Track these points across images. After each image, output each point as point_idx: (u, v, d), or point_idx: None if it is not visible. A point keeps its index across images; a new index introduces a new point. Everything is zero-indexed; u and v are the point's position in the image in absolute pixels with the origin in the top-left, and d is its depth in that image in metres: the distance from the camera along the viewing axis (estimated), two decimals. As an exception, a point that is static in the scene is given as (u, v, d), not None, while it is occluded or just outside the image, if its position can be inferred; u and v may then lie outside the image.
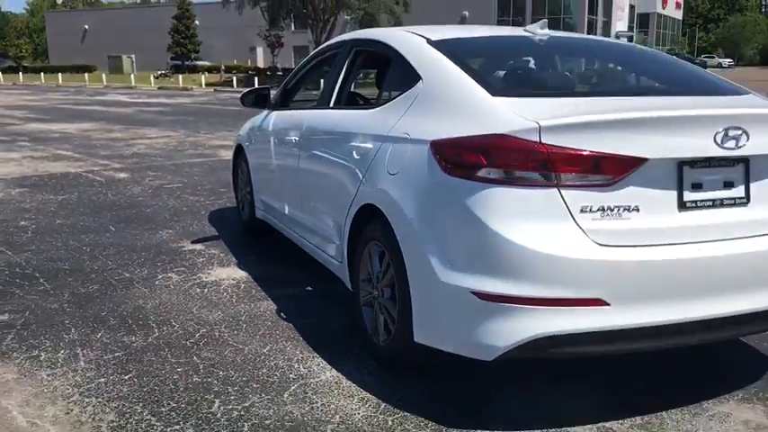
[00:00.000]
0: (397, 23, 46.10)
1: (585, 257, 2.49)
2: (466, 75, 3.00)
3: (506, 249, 2.52)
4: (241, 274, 4.72)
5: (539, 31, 3.61)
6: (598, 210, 2.53)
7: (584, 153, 2.50)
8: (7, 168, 9.36)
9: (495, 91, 2.86)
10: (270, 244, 5.35)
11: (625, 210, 2.55)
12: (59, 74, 51.65)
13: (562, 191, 2.51)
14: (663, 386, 3.10)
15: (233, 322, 3.83)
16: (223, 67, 53.80)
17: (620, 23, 62.25)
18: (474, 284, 2.59)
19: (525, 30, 3.70)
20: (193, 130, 14.96)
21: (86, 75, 51.35)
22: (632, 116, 2.57)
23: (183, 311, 3.99)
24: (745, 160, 2.71)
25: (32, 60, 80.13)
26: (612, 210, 2.54)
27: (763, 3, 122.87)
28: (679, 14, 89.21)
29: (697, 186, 2.66)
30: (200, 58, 61.83)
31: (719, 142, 2.59)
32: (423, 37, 3.49)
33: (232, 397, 2.96)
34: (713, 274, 2.65)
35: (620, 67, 4.02)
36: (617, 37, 61.84)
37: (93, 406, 2.88)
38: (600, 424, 2.75)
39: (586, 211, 2.52)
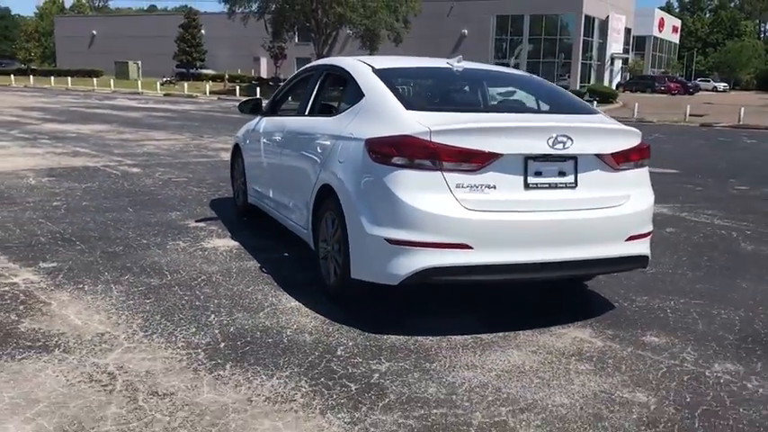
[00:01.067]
0: (397, 39, 47.71)
1: (457, 216, 3.80)
2: (392, 94, 4.33)
3: (407, 210, 3.83)
4: (234, 243, 6.02)
5: (456, 63, 4.94)
6: (467, 186, 3.84)
7: (460, 149, 3.82)
8: (34, 161, 10.68)
9: (408, 106, 4.19)
10: (259, 224, 6.65)
11: (486, 187, 3.87)
12: (68, 78, 53.15)
13: (444, 173, 3.82)
14: (523, 314, 4.41)
15: (226, 273, 5.13)
16: (227, 76, 55.29)
17: (616, 45, 63.76)
18: (386, 234, 3.90)
19: (447, 62, 5.01)
20: (198, 134, 16.31)
21: (95, 79, 52.80)
22: (492, 125, 3.91)
23: (188, 265, 5.29)
24: (574, 157, 4.03)
25: (40, 63, 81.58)
26: (477, 187, 3.85)
27: (762, 29, 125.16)
28: (676, 38, 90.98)
29: (538, 173, 3.97)
30: (205, 66, 63.29)
31: (551, 145, 3.91)
32: (370, 66, 4.82)
33: (223, 314, 4.26)
34: (549, 232, 3.96)
35: (506, 89, 5.38)
36: (611, 59, 63.41)
37: (126, 316, 4.17)
38: (474, 335, 4.04)
39: (460, 187, 3.83)
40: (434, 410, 3.14)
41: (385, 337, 3.98)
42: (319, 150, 4.77)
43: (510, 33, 60.58)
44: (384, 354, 3.75)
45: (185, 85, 48.69)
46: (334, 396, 3.24)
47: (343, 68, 5.06)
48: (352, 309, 4.40)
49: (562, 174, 4.04)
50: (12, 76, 55.38)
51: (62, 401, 3.08)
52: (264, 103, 6.58)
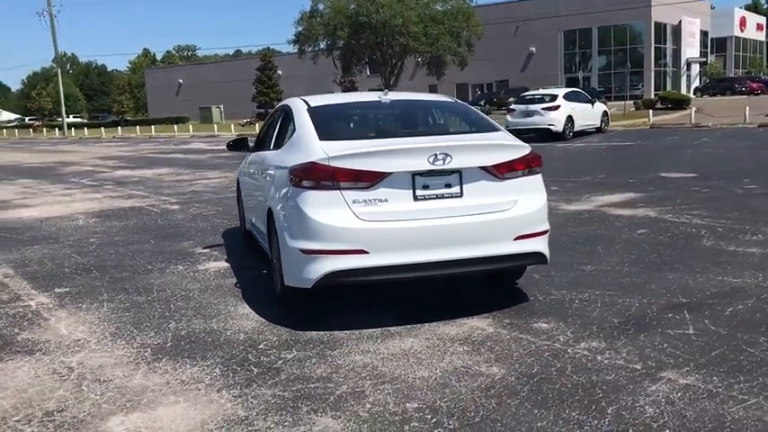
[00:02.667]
0: (462, 64, 48.52)
1: (354, 227, 4.52)
2: (312, 128, 5.11)
3: (314, 224, 4.58)
4: (225, 264, 6.90)
5: (383, 96, 5.69)
6: (362, 201, 4.55)
7: (353, 170, 4.55)
8: (91, 205, 12.02)
9: (322, 137, 4.95)
10: (255, 247, 7.51)
11: (378, 201, 4.57)
12: (152, 126, 56.62)
13: (342, 191, 4.55)
14: (438, 309, 5.03)
15: (204, 289, 5.99)
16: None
17: (690, 50, 62.18)
18: (301, 245, 4.65)
19: (378, 95, 5.74)
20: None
21: (175, 126, 55.95)
22: (380, 149, 4.63)
23: (175, 284, 6.19)
24: (458, 171, 4.68)
25: (134, 114, 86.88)
26: (371, 201, 4.56)
27: None
28: (761, 36, 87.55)
29: (426, 187, 4.64)
30: (283, 104, 65.83)
31: (431, 162, 4.58)
32: (307, 104, 5.62)
33: (183, 321, 5.09)
34: (437, 236, 4.61)
35: (418, 117, 6.05)
36: (687, 64, 61.85)
37: (104, 326, 5.06)
38: (385, 328, 4.72)
39: (356, 202, 4.55)
40: (310, 385, 3.84)
41: (307, 333, 4.71)
42: (269, 179, 5.60)
43: (579, 47, 60.21)
44: (297, 345, 4.48)
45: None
46: (236, 378, 3.99)
47: (289, 107, 5.89)
48: (293, 312, 5.15)
49: (448, 185, 4.69)
50: (102, 128, 59.44)
51: (24, 388, 3.97)
52: (252, 140, 7.48)
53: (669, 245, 6.92)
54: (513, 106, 23.96)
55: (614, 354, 4.11)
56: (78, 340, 4.77)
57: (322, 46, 50.82)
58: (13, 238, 8.94)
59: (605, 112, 25.73)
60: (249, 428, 3.37)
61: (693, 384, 3.64)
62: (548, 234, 5.08)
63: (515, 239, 4.79)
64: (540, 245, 4.96)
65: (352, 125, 5.69)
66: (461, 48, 47.62)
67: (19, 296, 6.00)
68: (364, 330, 4.70)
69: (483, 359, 4.11)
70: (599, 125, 24.72)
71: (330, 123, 5.42)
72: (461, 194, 4.72)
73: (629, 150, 18.92)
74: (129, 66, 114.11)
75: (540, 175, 5.09)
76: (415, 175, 4.63)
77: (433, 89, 63.81)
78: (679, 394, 3.53)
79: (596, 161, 16.72)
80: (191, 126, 53.34)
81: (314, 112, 5.42)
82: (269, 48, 72.74)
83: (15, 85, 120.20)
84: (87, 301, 5.73)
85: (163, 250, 7.73)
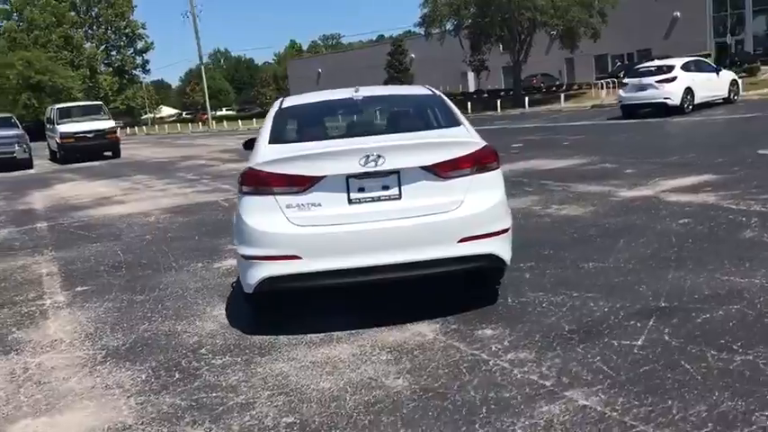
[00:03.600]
0: (595, 36, 46.27)
1: (287, 232, 4.48)
2: (268, 131, 5.10)
3: (250, 230, 4.59)
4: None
5: (355, 94, 5.56)
6: (296, 206, 4.50)
7: (286, 175, 4.50)
8: (175, 200, 12.72)
9: (271, 140, 4.94)
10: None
11: (312, 205, 4.49)
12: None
13: (276, 197, 4.52)
14: (389, 312, 4.87)
15: (201, 288, 6.18)
16: (433, 95, 57.27)
17: None
18: (243, 251, 4.69)
19: (352, 93, 5.62)
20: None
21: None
22: (311, 152, 4.55)
23: (180, 283, 6.43)
24: (398, 172, 4.50)
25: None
26: (304, 205, 4.50)
27: None
28: None
29: (362, 189, 4.50)
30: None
31: (363, 164, 4.43)
32: (281, 104, 5.62)
33: (156, 322, 5.29)
34: (374, 240, 4.47)
35: (380, 115, 5.81)
36: None
37: (87, 326, 5.35)
38: (330, 333, 4.66)
39: (290, 207, 4.50)
40: (213, 394, 3.88)
41: (254, 337, 4.75)
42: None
43: (729, 8, 55.59)
44: (235, 351, 4.53)
45: None
46: (154, 384, 4.11)
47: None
48: (264, 314, 5.20)
49: (386, 187, 4.52)
50: (239, 121, 62.45)
51: (-27, 387, 4.31)
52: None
53: (701, 237, 6.28)
54: (625, 80, 22.53)
55: (535, 367, 3.81)
56: (55, 341, 5.09)
57: (448, 26, 50.33)
58: (83, 235, 9.64)
59: (734, 80, 23.60)
60: (127, 437, 3.47)
61: (591, 406, 3.31)
62: (507, 234, 4.77)
63: (460, 242, 4.54)
64: (494, 246, 4.67)
65: (307, 126, 5.61)
66: (594, 18, 45.38)
67: (42, 294, 6.49)
68: (309, 336, 4.66)
69: (397, 369, 3.96)
70: (727, 95, 22.73)
71: (287, 125, 5.39)
72: (400, 196, 4.54)
73: (744, 124, 17.29)
74: (275, 58, 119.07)
75: (495, 172, 4.78)
76: (349, 177, 4.50)
77: (569, 62, 61.58)
78: (566, 417, 3.23)
79: (698, 138, 15.47)
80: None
81: (281, 113, 5.41)
82: (409, 31, 73.07)
83: (175, 82, 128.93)
84: (93, 301, 6.09)
85: (198, 247, 8.05)
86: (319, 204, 4.51)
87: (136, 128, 68.74)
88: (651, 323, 4.29)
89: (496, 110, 40.88)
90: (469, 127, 5.10)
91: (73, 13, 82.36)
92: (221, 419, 3.56)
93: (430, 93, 5.78)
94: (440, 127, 5.03)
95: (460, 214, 4.55)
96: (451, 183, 4.57)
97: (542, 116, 32.20)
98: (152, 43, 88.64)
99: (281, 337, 4.69)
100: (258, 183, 4.58)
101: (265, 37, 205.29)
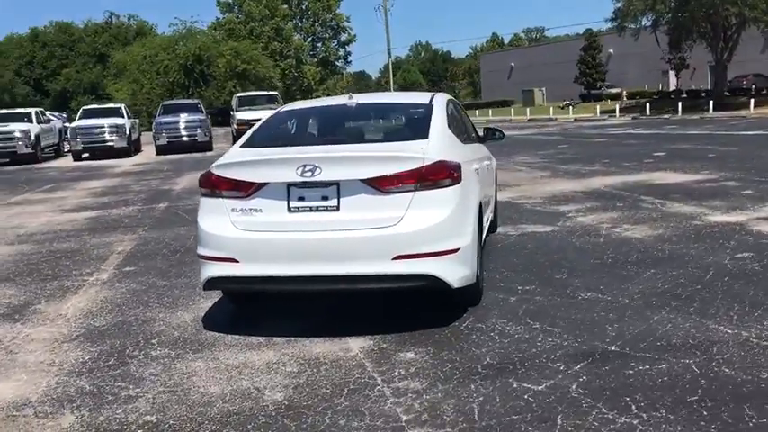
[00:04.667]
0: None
1: (229, 236, 4.61)
2: (250, 134, 5.24)
3: (201, 231, 4.78)
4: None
5: (348, 101, 5.54)
6: (240, 210, 4.61)
7: (232, 180, 4.63)
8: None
9: (244, 144, 5.08)
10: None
11: (254, 210, 4.58)
12: (476, 110, 58.58)
13: (224, 200, 4.66)
14: (340, 323, 4.83)
15: (219, 279, 6.48)
16: (625, 94, 54.43)
17: None
18: (198, 251, 4.88)
19: (346, 100, 5.60)
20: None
21: (512, 108, 56.81)
22: (255, 159, 4.63)
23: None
24: (337, 183, 4.45)
25: (473, 98, 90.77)
26: (247, 210, 4.59)
27: None
28: None
29: (302, 198, 4.51)
30: (612, 85, 63.07)
31: (300, 174, 4.44)
32: (280, 108, 5.73)
33: (147, 308, 5.67)
34: (309, 249, 4.47)
35: (358, 124, 5.61)
36: None
37: (81, 309, 5.85)
38: (273, 337, 4.73)
39: (234, 211, 4.62)
40: (119, 383, 4.10)
41: (206, 333, 4.94)
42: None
43: None
44: (178, 344, 4.75)
45: (597, 106, 49.27)
46: (88, 366, 4.42)
47: (277, 112, 6.07)
48: (244, 308, 5.42)
49: (325, 198, 4.49)
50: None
51: (-41, 350, 4.91)
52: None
53: (742, 276, 5.52)
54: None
55: (411, 400, 3.62)
56: (59, 315, 5.62)
57: (644, 22, 47.39)
58: (184, 218, 10.42)
59: None
60: (16, 412, 3.80)
61: (417, 450, 3.10)
62: (455, 254, 4.53)
63: (395, 259, 4.39)
64: (433, 267, 4.46)
65: (284, 133, 5.64)
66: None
67: (95, 271, 7.16)
68: (254, 338, 4.76)
69: (286, 383, 3.95)
70: None
71: (268, 130, 5.48)
72: (338, 208, 4.48)
73: None
74: (471, 51, 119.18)
75: (448, 190, 4.55)
76: (290, 186, 4.53)
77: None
78: (381, 458, 3.06)
79: None
80: (512, 110, 54.12)
81: (272, 118, 5.55)
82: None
83: (375, 74, 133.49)
84: (126, 281, 6.62)
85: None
86: (261, 210, 4.58)
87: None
88: (577, 367, 3.89)
89: (676, 113, 38.01)
90: (439, 141, 4.90)
91: (285, 6, 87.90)
92: (99, 409, 3.76)
93: (424, 102, 5.60)
94: (405, 139, 4.88)
95: (398, 231, 4.41)
96: (392, 198, 4.44)
97: (719, 122, 29.56)
98: (355, 36, 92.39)
99: (229, 336, 4.84)
100: (210, 185, 4.75)
101: (466, 30, 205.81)
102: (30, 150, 25.76)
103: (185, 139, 26.37)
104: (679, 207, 8.77)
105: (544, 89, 65.31)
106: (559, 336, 4.42)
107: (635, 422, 3.23)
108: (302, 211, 4.53)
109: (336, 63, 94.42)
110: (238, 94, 30.61)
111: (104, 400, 3.87)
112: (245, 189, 4.60)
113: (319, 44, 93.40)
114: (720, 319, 4.54)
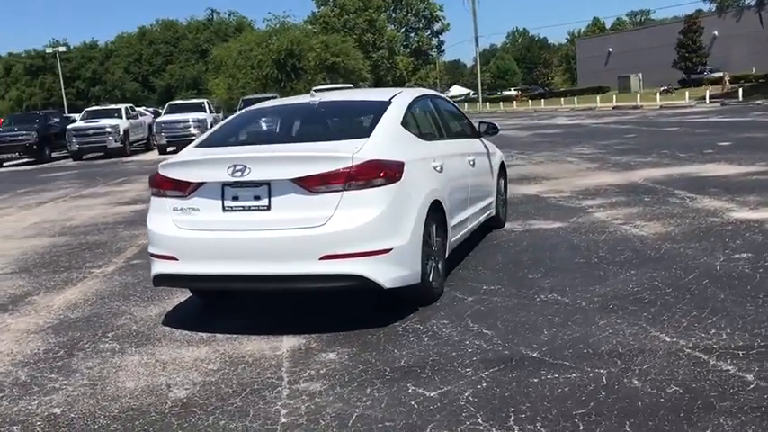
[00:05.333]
0: None
1: (169, 234, 4.73)
2: (208, 134, 5.35)
3: (148, 229, 4.92)
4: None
5: (310, 99, 5.55)
6: (180, 209, 4.72)
7: (172, 179, 4.74)
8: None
9: (199, 144, 5.18)
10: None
11: (192, 209, 4.67)
12: (576, 97, 56.80)
13: (167, 199, 4.78)
14: (284, 321, 4.87)
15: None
16: (727, 78, 51.50)
17: None
18: (149, 249, 5.04)
19: (309, 99, 5.61)
20: (540, 151, 17.07)
21: (598, 96, 54.94)
22: (190, 159, 4.72)
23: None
24: (268, 183, 4.48)
25: (570, 85, 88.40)
26: (186, 209, 4.69)
27: None
28: None
29: (236, 198, 4.57)
30: (715, 69, 59.86)
31: (230, 174, 4.49)
32: (245, 107, 5.81)
33: (128, 301, 5.89)
34: (242, 249, 4.53)
35: (309, 123, 5.53)
36: None
37: (96, 289, 6.14)
38: (215, 333, 4.81)
39: (176, 210, 4.74)
40: (51, 375, 4.29)
41: (163, 329, 5.06)
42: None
43: None
44: (128, 338, 4.90)
45: (686, 92, 47.00)
46: (39, 356, 4.64)
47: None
48: (203, 307, 5.55)
49: (257, 198, 4.53)
50: (514, 102, 61.87)
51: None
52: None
53: (723, 280, 5.14)
54: None
55: (302, 403, 3.61)
56: (47, 307, 5.90)
57: (747, 1, 44.62)
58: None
59: None
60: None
61: (272, 454, 3.10)
62: (385, 255, 4.46)
63: (322, 259, 4.38)
64: (361, 267, 4.41)
65: (237, 132, 5.67)
66: None
67: (104, 264, 7.49)
68: (200, 334, 4.87)
69: (196, 381, 4.01)
70: None
71: (226, 129, 5.56)
72: (269, 207, 4.51)
73: None
74: (568, 37, 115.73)
75: (380, 189, 4.49)
76: (225, 185, 4.59)
77: None
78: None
79: None
80: (614, 96, 52.12)
81: (235, 117, 5.67)
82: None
83: (470, 62, 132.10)
84: (126, 274, 6.89)
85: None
86: (198, 209, 4.67)
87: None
88: (484, 374, 3.77)
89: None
90: (383, 140, 4.83)
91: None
92: (19, 399, 3.94)
93: (383, 99, 5.50)
94: (348, 138, 4.83)
95: (325, 231, 4.40)
96: (320, 198, 4.43)
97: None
98: (448, 24, 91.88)
99: (179, 331, 4.96)
100: (155, 185, 4.88)
101: (564, 14, 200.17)
102: (119, 144, 27.19)
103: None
104: (707, 202, 8.26)
105: (641, 75, 62.69)
106: (489, 339, 4.28)
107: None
108: (236, 210, 4.59)
109: (429, 53, 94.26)
110: (315, 88, 31.07)
111: (29, 391, 4.06)
112: (184, 189, 4.70)
113: (412, 34, 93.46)
114: (667, 326, 4.26)
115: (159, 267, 4.83)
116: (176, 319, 5.27)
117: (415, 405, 3.47)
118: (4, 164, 27.38)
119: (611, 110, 41.70)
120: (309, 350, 4.38)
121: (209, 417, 3.54)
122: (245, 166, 4.49)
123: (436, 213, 5.13)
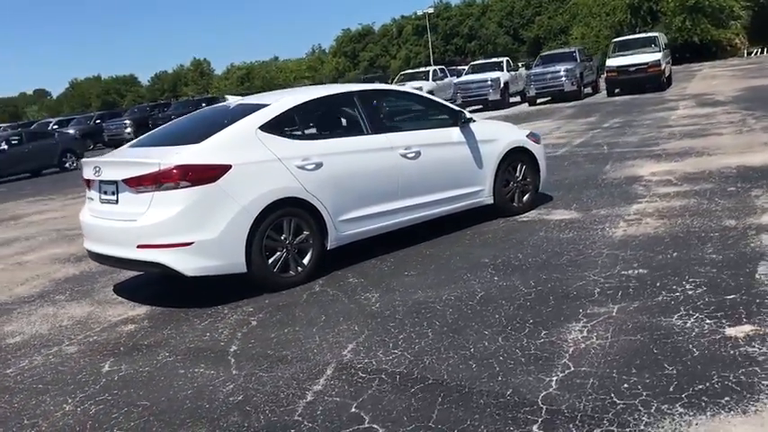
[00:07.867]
0: None
1: (82, 218, 6.03)
2: (144, 135, 6.41)
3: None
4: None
5: (228, 102, 6.20)
6: (88, 200, 5.91)
7: (83, 176, 5.92)
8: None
9: (130, 144, 6.27)
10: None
11: (89, 199, 5.94)
12: None
13: (88, 191, 5.97)
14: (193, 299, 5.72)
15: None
16: None
17: None
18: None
19: (230, 102, 6.24)
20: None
21: None
22: (89, 160, 5.82)
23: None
24: (116, 182, 5.44)
25: None
26: (89, 200, 5.88)
27: None
28: None
29: (105, 192, 5.65)
30: None
31: (94, 174, 5.50)
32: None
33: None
34: (100, 233, 5.75)
35: (192, 127, 6.13)
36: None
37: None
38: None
39: (87, 200, 5.92)
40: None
41: (144, 306, 5.78)
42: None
43: None
44: (65, 296, 6.28)
45: None
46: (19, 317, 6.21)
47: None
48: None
49: (113, 193, 5.58)
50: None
51: None
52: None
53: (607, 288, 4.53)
54: None
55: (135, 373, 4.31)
56: (64, 299, 7.53)
57: None
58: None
59: None
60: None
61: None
62: (187, 248, 5.13)
63: (138, 247, 5.21)
64: (164, 257, 5.19)
65: (151, 136, 6.69)
66: None
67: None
68: (119, 298, 6.03)
69: (94, 342, 4.97)
70: None
71: (151, 133, 6.84)
72: (117, 202, 5.46)
73: None
74: None
75: (185, 190, 5.24)
76: (101, 182, 5.62)
77: None
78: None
79: None
80: None
81: (171, 122, 6.76)
82: None
83: None
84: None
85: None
86: (92, 198, 5.87)
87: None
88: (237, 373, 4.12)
89: None
90: (214, 146, 5.52)
91: None
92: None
93: (265, 103, 6.12)
94: (187, 143, 5.62)
95: (140, 224, 5.31)
96: (140, 196, 5.35)
97: None
98: None
99: (117, 297, 6.14)
100: (83, 179, 6.12)
101: None
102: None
103: (554, 89, 26.37)
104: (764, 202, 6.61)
105: None
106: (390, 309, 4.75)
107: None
108: (104, 202, 5.76)
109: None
110: (616, 39, 28.98)
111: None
112: (87, 183, 5.94)
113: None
114: (441, 338, 4.20)
115: (84, 244, 6.12)
116: (161, 295, 6.11)
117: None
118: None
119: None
120: (167, 314, 5.20)
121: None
122: (100, 168, 5.57)
123: (295, 208, 5.44)
